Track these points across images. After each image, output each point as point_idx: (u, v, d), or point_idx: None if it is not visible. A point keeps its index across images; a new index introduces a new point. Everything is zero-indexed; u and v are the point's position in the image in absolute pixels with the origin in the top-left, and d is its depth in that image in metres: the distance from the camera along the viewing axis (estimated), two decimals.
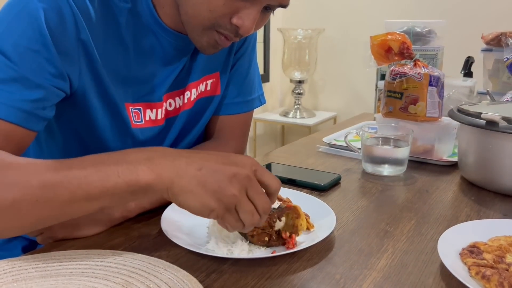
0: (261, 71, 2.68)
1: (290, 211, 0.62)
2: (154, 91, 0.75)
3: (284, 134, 2.94)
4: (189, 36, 0.70)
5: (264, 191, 0.54)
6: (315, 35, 2.50)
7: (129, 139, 0.74)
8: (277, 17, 2.74)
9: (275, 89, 2.89)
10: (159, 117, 0.77)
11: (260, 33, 2.62)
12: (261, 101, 0.95)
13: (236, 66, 0.89)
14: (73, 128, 0.72)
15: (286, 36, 2.53)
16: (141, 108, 0.75)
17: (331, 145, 1.11)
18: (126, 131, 0.74)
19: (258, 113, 2.69)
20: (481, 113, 0.78)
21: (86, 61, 0.65)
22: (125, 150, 0.55)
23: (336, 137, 1.18)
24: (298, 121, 2.56)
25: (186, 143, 0.86)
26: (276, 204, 0.65)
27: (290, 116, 2.61)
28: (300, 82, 2.59)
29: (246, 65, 0.90)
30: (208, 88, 0.85)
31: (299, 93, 2.62)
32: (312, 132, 2.47)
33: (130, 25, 0.69)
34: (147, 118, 0.76)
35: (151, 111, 0.76)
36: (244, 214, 0.51)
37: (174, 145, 0.85)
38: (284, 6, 0.68)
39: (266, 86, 2.75)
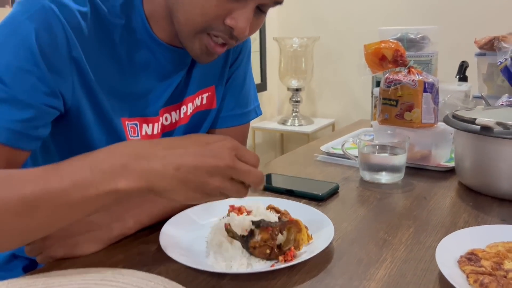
0: (258, 80, 2.69)
1: (292, 225, 0.62)
2: (150, 106, 0.76)
3: (284, 142, 2.95)
4: (183, 44, 0.70)
5: (248, 166, 0.54)
6: (310, 43, 2.52)
7: None
8: (273, 26, 2.75)
9: (273, 98, 2.90)
10: (155, 132, 0.78)
11: (256, 42, 2.64)
12: (257, 112, 0.95)
13: (231, 79, 0.89)
14: (68, 145, 0.72)
15: (282, 45, 2.54)
16: (137, 123, 0.75)
17: (329, 154, 1.11)
18: None
19: (256, 122, 2.70)
20: (475, 119, 0.78)
21: (79, 78, 0.66)
22: (97, 152, 0.53)
23: (334, 145, 1.18)
24: (297, 128, 2.57)
25: None
26: (276, 217, 0.65)
27: (289, 124, 2.61)
28: (297, 90, 2.60)
29: (241, 78, 0.91)
30: (204, 102, 0.85)
31: (297, 101, 2.63)
32: (311, 139, 2.48)
33: (125, 41, 0.70)
34: (144, 133, 0.76)
35: (148, 125, 0.76)
36: (233, 195, 0.53)
37: None
38: (278, 2, 0.68)
39: (263, 95, 2.76)
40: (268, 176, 0.94)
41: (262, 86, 2.73)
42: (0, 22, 0.62)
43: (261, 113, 0.97)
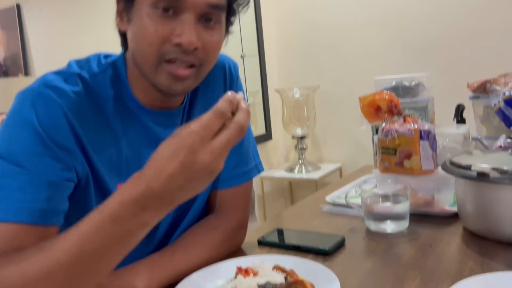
0: (263, 131, 2.74)
1: (298, 286, 0.63)
2: None
3: (292, 189, 2.96)
4: (153, 83, 0.71)
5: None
6: (311, 92, 2.58)
7: None
8: (274, 78, 2.84)
9: (279, 146, 2.94)
10: None
11: (258, 95, 2.72)
12: (259, 169, 0.96)
13: None
14: (68, 219, 0.72)
15: (284, 96, 2.61)
16: None
17: (334, 204, 1.13)
18: None
19: (264, 171, 2.72)
20: (471, 165, 0.80)
21: (81, 152, 0.70)
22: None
23: (339, 195, 1.20)
24: (304, 176, 2.59)
25: (187, 222, 0.88)
26: (282, 277, 0.66)
27: (296, 171, 2.63)
28: (302, 137, 2.64)
29: None
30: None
31: (302, 148, 2.66)
32: (319, 185, 2.49)
33: (117, 112, 0.75)
34: None
35: None
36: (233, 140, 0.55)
37: (174, 225, 0.86)
38: (216, 7, 0.69)
39: (269, 144, 2.80)
40: (276, 232, 0.95)
41: (267, 136, 2.78)
42: (6, 115, 0.68)
43: (263, 170, 0.97)
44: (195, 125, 0.54)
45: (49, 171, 0.65)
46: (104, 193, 0.74)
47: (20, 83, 2.29)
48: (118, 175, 0.75)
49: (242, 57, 2.58)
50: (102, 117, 0.73)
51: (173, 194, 0.54)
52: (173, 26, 0.67)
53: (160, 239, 0.86)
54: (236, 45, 2.55)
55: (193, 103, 0.85)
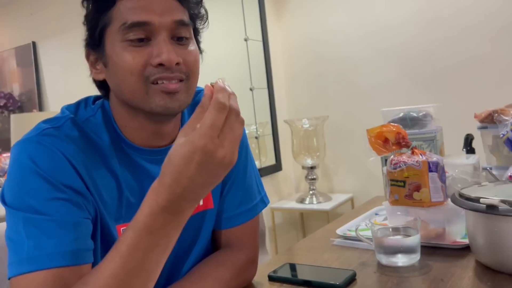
0: (273, 161, 2.76)
1: None
2: None
3: (304, 220, 2.94)
4: (148, 110, 0.71)
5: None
6: (320, 122, 2.61)
7: None
8: (283, 110, 2.87)
9: (289, 177, 2.94)
10: None
11: (268, 126, 2.74)
12: (265, 202, 0.95)
13: (231, 179, 0.89)
14: None
15: (293, 126, 2.63)
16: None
17: (345, 238, 1.13)
18: None
19: (274, 202, 2.72)
20: (480, 198, 0.80)
21: (89, 194, 0.71)
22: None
23: (350, 227, 1.19)
24: (315, 206, 2.58)
25: (192, 261, 0.86)
26: None
27: (307, 202, 2.63)
28: (312, 168, 2.65)
29: (240, 175, 0.90)
30: (200, 203, 0.85)
31: (313, 179, 2.66)
32: (330, 216, 2.47)
33: (113, 154, 0.76)
34: None
35: None
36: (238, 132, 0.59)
37: (175, 267, 0.85)
38: (182, 23, 0.71)
39: (279, 175, 2.81)
40: (287, 267, 0.95)
41: (277, 167, 2.79)
42: (8, 169, 0.70)
43: (268, 202, 0.96)
44: (203, 127, 0.56)
45: (68, 212, 0.66)
46: (106, 234, 0.74)
47: (35, 118, 2.35)
48: (119, 216, 0.76)
49: (251, 89, 2.62)
50: (100, 159, 0.74)
51: (196, 192, 0.58)
52: (149, 50, 0.69)
53: (162, 284, 0.84)
54: (245, 78, 2.60)
55: None
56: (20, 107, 3.35)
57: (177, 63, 0.70)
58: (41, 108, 3.23)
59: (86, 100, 0.80)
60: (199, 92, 0.85)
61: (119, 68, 0.70)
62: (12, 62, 3.41)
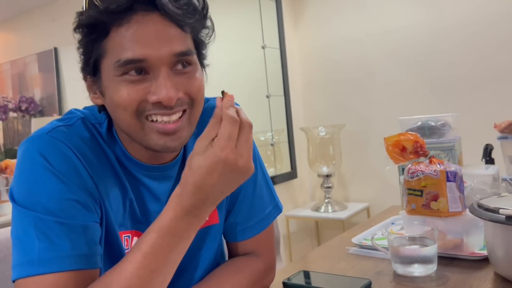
0: (289, 169, 2.75)
1: None
2: (147, 223, 0.76)
3: (319, 228, 2.92)
4: (145, 145, 0.70)
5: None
6: (336, 130, 2.60)
7: None
8: (299, 117, 2.87)
9: (304, 185, 2.93)
10: None
11: (284, 133, 2.74)
12: (279, 208, 0.92)
13: (241, 192, 0.87)
14: None
15: (309, 134, 2.63)
16: (130, 235, 0.76)
17: (360, 246, 1.12)
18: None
19: (289, 210, 2.71)
20: (499, 208, 0.79)
21: (98, 195, 0.70)
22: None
23: (365, 236, 1.18)
24: (331, 215, 2.56)
25: (197, 275, 0.85)
26: None
27: (322, 210, 2.61)
28: (327, 176, 2.63)
29: (250, 187, 0.88)
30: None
31: (328, 187, 2.65)
32: (345, 225, 2.46)
33: (120, 166, 0.75)
34: None
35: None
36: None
37: (180, 279, 0.82)
38: (183, 53, 0.66)
39: (294, 182, 2.80)
40: (302, 274, 0.95)
41: (293, 174, 2.78)
42: (17, 165, 0.67)
43: (281, 208, 0.93)
44: (222, 140, 0.60)
45: (79, 215, 0.65)
46: (110, 238, 0.73)
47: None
48: (121, 222, 0.75)
49: (267, 96, 2.63)
50: (108, 163, 0.73)
51: (216, 197, 0.63)
52: (146, 85, 0.65)
53: None
54: (261, 85, 2.61)
55: (187, 153, 0.82)
56: (41, 111, 3.41)
57: (178, 99, 0.66)
58: (61, 113, 3.29)
59: (92, 108, 0.78)
60: (207, 101, 0.82)
61: (114, 102, 0.66)
62: (34, 67, 3.48)
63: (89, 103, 0.83)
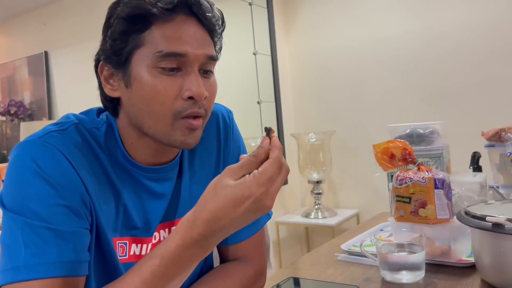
0: None
1: None
2: (142, 226, 0.77)
3: (308, 235, 2.92)
4: (167, 143, 0.71)
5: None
6: (327, 137, 2.61)
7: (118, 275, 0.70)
8: (290, 123, 2.88)
9: (295, 191, 2.94)
10: (143, 252, 0.77)
11: None
12: (269, 214, 0.92)
13: None
14: None
15: (300, 140, 2.64)
16: (127, 242, 0.76)
17: (349, 253, 1.12)
18: (115, 268, 0.74)
19: (280, 216, 2.71)
20: (486, 216, 0.80)
21: (89, 201, 0.69)
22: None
23: (354, 243, 1.19)
24: (321, 221, 2.56)
25: (187, 282, 0.83)
26: None
27: (312, 216, 2.62)
28: (318, 182, 2.64)
29: None
30: None
31: (318, 193, 2.65)
32: (335, 231, 2.46)
33: (117, 173, 0.74)
34: (132, 253, 0.76)
35: (137, 246, 0.77)
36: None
37: None
38: (213, 58, 0.72)
39: (285, 189, 2.80)
40: (291, 281, 0.95)
41: None
42: (8, 169, 0.66)
43: (271, 215, 0.93)
44: (263, 178, 0.59)
45: (69, 221, 0.64)
46: (102, 245, 0.73)
47: (44, 126, 2.37)
48: (114, 228, 0.74)
49: (258, 102, 2.63)
50: (101, 169, 0.73)
51: (229, 231, 0.61)
52: (180, 81, 0.69)
53: None
54: (253, 91, 2.61)
55: (184, 155, 0.84)
56: (30, 115, 3.39)
57: (205, 97, 0.70)
58: (50, 117, 3.27)
59: (89, 112, 0.79)
60: None
61: (149, 94, 0.68)
62: (24, 71, 3.46)
63: (79, 108, 0.83)
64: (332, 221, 2.53)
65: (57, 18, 3.24)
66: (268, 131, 0.64)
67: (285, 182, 2.76)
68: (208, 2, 0.72)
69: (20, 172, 0.65)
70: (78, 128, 0.73)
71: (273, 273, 1.14)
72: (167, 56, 0.67)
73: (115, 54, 0.70)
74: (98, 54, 0.74)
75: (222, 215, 0.58)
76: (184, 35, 0.69)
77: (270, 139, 0.63)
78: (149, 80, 0.68)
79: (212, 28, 0.73)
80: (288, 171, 0.62)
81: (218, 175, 0.62)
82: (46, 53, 3.31)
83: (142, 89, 0.69)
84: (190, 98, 0.69)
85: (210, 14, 0.72)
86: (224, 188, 0.59)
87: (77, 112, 0.79)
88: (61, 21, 3.21)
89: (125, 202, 0.75)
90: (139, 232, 0.77)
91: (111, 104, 0.75)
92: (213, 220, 0.59)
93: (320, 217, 2.60)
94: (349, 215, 2.63)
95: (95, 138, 0.74)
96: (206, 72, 0.72)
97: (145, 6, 0.67)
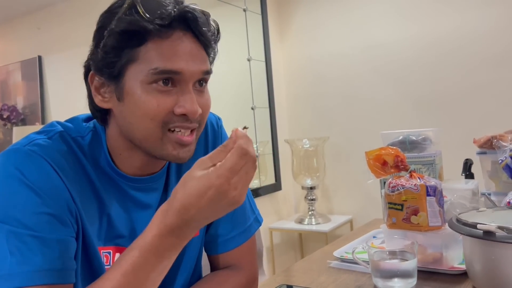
0: (273, 181, 2.75)
1: None
2: (126, 236, 0.76)
3: (302, 241, 2.92)
4: (158, 155, 0.71)
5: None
6: (320, 143, 2.61)
7: None
8: (284, 129, 2.88)
9: (289, 197, 2.94)
10: None
11: (268, 145, 2.75)
12: (259, 221, 0.93)
13: None
14: None
15: (293, 146, 2.64)
16: (110, 251, 0.75)
17: (342, 260, 1.12)
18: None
19: (273, 222, 2.71)
20: (477, 224, 0.80)
21: (75, 209, 0.69)
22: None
23: (347, 250, 1.19)
24: (314, 227, 2.56)
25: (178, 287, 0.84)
26: None
27: (306, 222, 2.61)
28: (311, 188, 2.64)
29: None
30: None
31: (312, 199, 2.65)
32: (329, 238, 2.46)
33: (102, 182, 0.74)
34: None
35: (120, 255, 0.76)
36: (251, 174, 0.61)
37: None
38: (208, 72, 0.72)
39: (278, 194, 2.80)
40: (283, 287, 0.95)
41: (277, 186, 2.78)
42: None
43: (262, 220, 0.94)
44: (222, 168, 0.59)
45: (54, 229, 0.64)
46: (89, 254, 0.72)
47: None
48: (99, 237, 0.74)
49: (252, 108, 2.64)
50: (85, 178, 0.72)
51: (200, 222, 0.62)
52: (174, 97, 0.68)
53: None
54: (247, 97, 2.62)
55: (171, 166, 0.84)
56: (23, 120, 3.37)
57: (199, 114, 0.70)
58: (43, 122, 3.25)
59: (74, 120, 0.78)
60: None
61: (140, 110, 0.67)
62: (17, 76, 3.44)
63: (73, 112, 0.82)
64: (325, 227, 2.52)
65: (51, 23, 3.23)
66: (244, 127, 0.64)
67: (279, 187, 2.77)
68: (204, 15, 0.71)
69: (4, 181, 0.65)
70: (63, 136, 0.72)
71: (266, 280, 1.14)
72: (162, 73, 0.66)
73: (107, 67, 0.69)
74: (87, 62, 0.72)
75: (189, 205, 0.60)
76: (180, 52, 0.67)
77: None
78: (142, 96, 0.67)
79: (208, 43, 0.72)
80: (254, 161, 0.61)
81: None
82: (39, 57, 3.30)
83: (134, 105, 0.68)
84: (183, 115, 0.68)
85: (206, 29, 0.70)
86: (191, 179, 0.60)
87: (70, 117, 0.78)
88: (55, 25, 3.20)
89: (108, 211, 0.74)
90: (125, 241, 0.76)
91: (100, 114, 0.74)
92: (182, 209, 0.60)
93: (313, 223, 2.60)
94: (342, 221, 2.63)
95: (80, 147, 0.73)
96: (201, 85, 0.72)
97: (141, 23, 0.65)
